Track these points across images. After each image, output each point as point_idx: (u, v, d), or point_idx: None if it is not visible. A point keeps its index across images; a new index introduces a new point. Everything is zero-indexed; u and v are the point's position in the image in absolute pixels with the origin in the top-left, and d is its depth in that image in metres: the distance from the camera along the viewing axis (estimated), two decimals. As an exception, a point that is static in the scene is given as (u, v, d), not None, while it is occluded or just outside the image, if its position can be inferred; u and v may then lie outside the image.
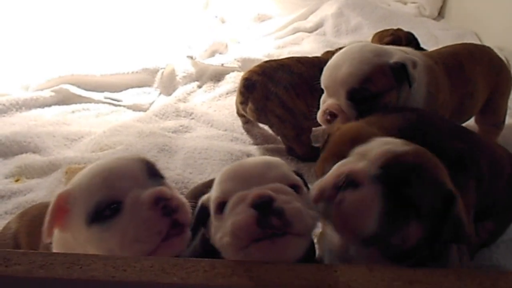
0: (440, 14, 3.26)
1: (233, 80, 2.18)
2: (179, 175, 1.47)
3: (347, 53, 1.24)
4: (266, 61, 1.83)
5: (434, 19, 3.18)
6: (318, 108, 1.30)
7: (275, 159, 0.85)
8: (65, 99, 1.99)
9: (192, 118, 1.94)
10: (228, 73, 2.23)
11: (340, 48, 1.38)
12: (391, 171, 0.76)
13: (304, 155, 1.63)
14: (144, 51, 2.36)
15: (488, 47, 1.58)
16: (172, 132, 1.79)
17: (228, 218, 0.76)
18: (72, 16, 2.62)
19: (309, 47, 2.60)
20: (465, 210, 0.80)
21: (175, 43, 2.44)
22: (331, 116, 1.24)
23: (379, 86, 1.20)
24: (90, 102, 2.00)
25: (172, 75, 2.19)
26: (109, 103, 2.00)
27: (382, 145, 0.81)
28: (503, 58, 1.76)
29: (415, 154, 0.79)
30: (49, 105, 1.95)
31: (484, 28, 2.72)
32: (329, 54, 1.78)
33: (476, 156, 1.06)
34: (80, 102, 1.99)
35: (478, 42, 2.65)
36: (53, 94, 1.98)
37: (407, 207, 0.76)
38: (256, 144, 1.77)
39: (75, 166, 1.45)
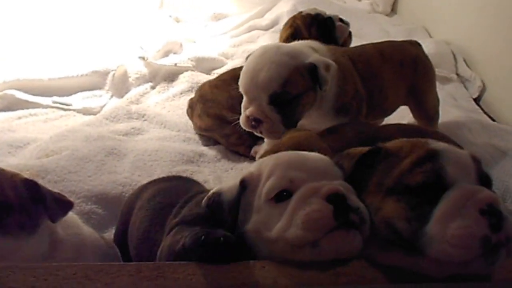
0: (393, 10, 3.35)
1: (187, 80, 2.17)
2: (127, 178, 1.46)
3: (264, 57, 1.25)
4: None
5: (387, 15, 3.26)
6: (240, 113, 1.31)
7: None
8: (10, 105, 1.93)
9: (145, 120, 1.92)
10: (182, 72, 2.22)
11: None
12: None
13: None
14: (94, 52, 2.31)
15: (407, 45, 1.64)
16: (123, 135, 1.77)
17: (297, 209, 0.73)
18: (16, 18, 2.54)
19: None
20: None
21: (127, 44, 2.41)
22: (256, 121, 1.25)
23: (298, 88, 1.23)
24: (38, 107, 1.94)
25: (124, 76, 2.16)
26: (58, 108, 1.95)
27: None
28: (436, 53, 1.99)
29: None
30: (-6, 112, 1.89)
31: (433, 23, 2.81)
32: None
33: None
34: (27, 108, 1.93)
35: (428, 37, 2.75)
36: (-3, 100, 1.92)
37: None
38: (209, 145, 1.77)
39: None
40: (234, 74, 1.88)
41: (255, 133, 1.33)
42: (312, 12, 1.91)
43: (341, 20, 1.92)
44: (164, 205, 1.01)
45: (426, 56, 1.65)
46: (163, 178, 1.23)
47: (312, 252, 0.73)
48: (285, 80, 1.22)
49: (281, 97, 1.22)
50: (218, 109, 1.75)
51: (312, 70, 1.23)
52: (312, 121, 1.34)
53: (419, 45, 1.68)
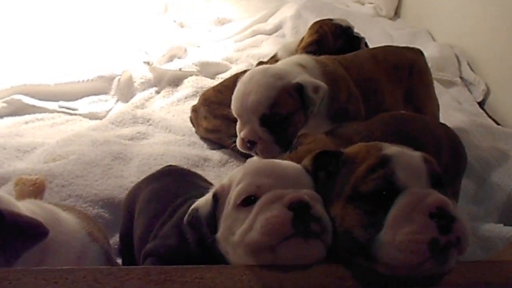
0: (396, 13, 3.35)
1: (192, 85, 2.19)
2: (133, 182, 1.46)
3: (252, 81, 1.29)
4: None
5: (390, 19, 3.27)
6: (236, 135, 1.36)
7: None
8: (17, 110, 1.95)
9: (150, 124, 1.93)
10: (187, 77, 2.23)
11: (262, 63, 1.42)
12: None
13: None
14: (99, 58, 2.33)
15: (403, 49, 1.65)
16: (129, 140, 1.78)
17: (259, 214, 0.75)
18: (23, 25, 2.56)
19: (268, 49, 2.63)
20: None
21: (132, 49, 2.43)
22: (251, 143, 1.29)
23: (287, 108, 1.26)
24: (45, 112, 1.96)
25: (129, 81, 2.18)
26: (64, 112, 1.97)
27: None
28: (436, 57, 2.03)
29: None
30: (1, 117, 1.91)
31: (437, 27, 2.82)
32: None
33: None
34: (34, 113, 1.95)
35: (431, 40, 2.75)
36: (5, 105, 1.94)
37: None
38: (214, 149, 1.78)
39: (26, 177, 1.41)
40: (236, 79, 1.90)
41: (253, 154, 1.36)
42: (343, 24, 1.89)
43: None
44: (157, 211, 1.03)
45: (424, 63, 1.66)
46: (157, 175, 1.23)
47: (269, 257, 0.74)
48: (274, 102, 1.25)
49: (271, 118, 1.26)
50: (224, 110, 1.75)
51: (299, 90, 1.26)
52: (310, 130, 1.35)
53: (421, 53, 1.68)
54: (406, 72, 1.56)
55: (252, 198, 0.78)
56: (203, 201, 0.86)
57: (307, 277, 0.73)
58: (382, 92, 1.50)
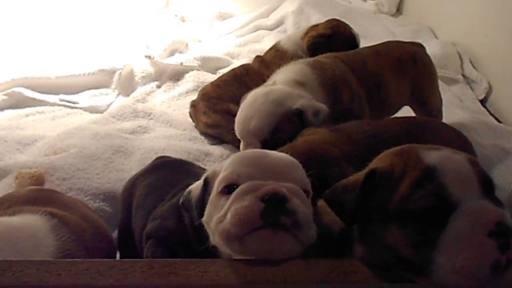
0: (398, 10, 3.35)
1: (193, 79, 2.18)
2: (135, 176, 1.46)
3: (253, 106, 1.32)
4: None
5: (392, 15, 3.26)
6: None
7: (295, 160, 0.83)
8: (18, 103, 1.94)
9: (151, 119, 1.93)
10: (188, 72, 2.23)
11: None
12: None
13: None
14: (100, 51, 2.33)
15: (405, 43, 1.66)
16: (130, 133, 1.78)
17: (233, 203, 0.74)
18: (24, 17, 2.55)
19: (269, 45, 2.58)
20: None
21: (133, 43, 2.42)
22: None
23: (288, 132, 1.26)
24: (45, 105, 1.96)
25: (130, 75, 2.17)
26: (65, 106, 1.97)
27: None
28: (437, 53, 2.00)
29: None
30: (2, 109, 1.91)
31: (439, 23, 2.81)
32: (257, 60, 1.96)
33: None
34: (35, 106, 1.94)
35: (433, 38, 2.75)
36: (5, 97, 1.94)
37: None
38: (214, 143, 1.78)
39: (26, 170, 1.41)
40: (234, 74, 1.91)
41: None
42: (356, 34, 1.95)
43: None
44: (157, 203, 1.03)
45: (426, 55, 1.67)
46: (151, 168, 1.22)
47: (239, 247, 0.74)
48: (274, 128, 1.28)
49: (272, 142, 1.27)
50: (224, 104, 1.76)
51: (299, 115, 1.28)
52: None
53: (422, 46, 1.69)
54: (410, 64, 1.57)
55: (234, 186, 0.77)
56: (196, 185, 0.87)
57: (311, 272, 0.73)
58: (386, 87, 1.50)
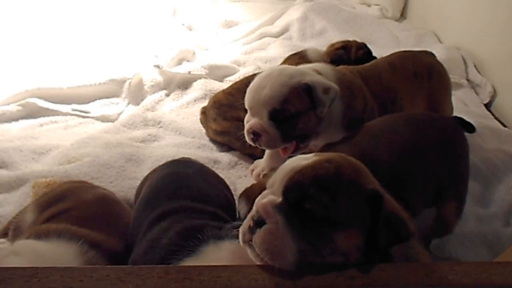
0: (402, 15, 3.37)
1: (201, 87, 2.22)
2: (146, 184, 1.51)
3: (268, 77, 1.34)
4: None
5: (396, 20, 3.29)
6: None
7: None
8: (32, 113, 1.99)
9: (160, 127, 1.97)
10: (196, 80, 2.27)
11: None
12: (289, 195, 0.76)
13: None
14: (110, 61, 2.38)
15: (419, 54, 1.67)
16: (140, 142, 1.82)
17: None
18: (37, 30, 2.61)
19: (275, 52, 2.66)
20: (400, 208, 0.82)
21: (142, 53, 2.47)
22: (255, 135, 1.34)
23: (297, 107, 1.30)
24: (58, 115, 2.00)
25: (140, 84, 2.22)
26: (77, 115, 2.02)
27: (284, 168, 0.80)
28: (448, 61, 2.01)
29: (315, 166, 0.77)
30: (16, 119, 1.96)
31: (443, 28, 2.83)
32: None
33: None
34: (48, 115, 1.99)
35: (437, 42, 2.77)
36: (20, 108, 1.99)
37: (321, 221, 0.74)
38: (223, 151, 1.82)
39: (43, 180, 1.46)
40: (247, 82, 1.94)
41: (256, 145, 1.40)
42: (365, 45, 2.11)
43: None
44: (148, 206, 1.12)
45: (440, 65, 1.67)
46: (170, 164, 1.31)
47: None
48: (285, 99, 1.30)
49: (280, 114, 1.31)
50: (235, 112, 1.79)
51: (308, 91, 1.30)
52: (324, 137, 1.39)
53: (433, 55, 1.71)
54: (425, 77, 1.58)
55: None
56: None
57: (319, 276, 0.77)
58: (401, 101, 1.51)
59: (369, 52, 2.05)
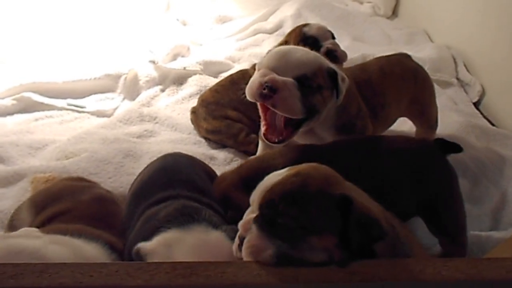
0: (394, 13, 3.41)
1: (196, 83, 2.23)
2: (145, 180, 1.52)
3: (297, 48, 1.31)
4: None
5: (388, 18, 3.33)
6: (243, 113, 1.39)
7: None
8: (27, 107, 1.99)
9: (156, 122, 1.98)
10: (191, 76, 2.28)
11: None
12: (264, 212, 0.84)
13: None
14: (106, 56, 2.37)
15: (403, 59, 1.67)
16: (137, 137, 1.84)
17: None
18: (31, 23, 2.59)
19: (269, 48, 2.67)
20: (374, 208, 0.86)
21: (137, 48, 2.47)
22: (270, 90, 1.18)
23: (322, 82, 1.26)
24: (53, 110, 2.00)
25: (135, 80, 2.22)
26: (73, 110, 2.02)
27: (260, 186, 0.88)
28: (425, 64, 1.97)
29: (283, 182, 0.84)
30: (11, 114, 1.95)
31: (434, 27, 2.88)
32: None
33: None
34: (43, 110, 1.99)
35: (428, 41, 2.82)
36: (14, 102, 1.98)
37: (295, 230, 0.81)
38: (219, 147, 1.84)
39: (41, 175, 1.47)
40: (231, 79, 1.96)
41: (259, 109, 1.29)
42: (308, 33, 1.83)
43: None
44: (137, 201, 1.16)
45: (423, 68, 1.71)
46: (161, 159, 1.33)
47: None
48: (315, 70, 1.25)
49: (308, 81, 1.22)
50: (222, 110, 1.82)
51: (332, 75, 1.28)
52: (315, 138, 1.39)
53: (410, 57, 1.72)
54: (412, 81, 1.60)
55: None
56: None
57: (320, 271, 0.80)
58: (389, 104, 1.53)
59: (311, 45, 1.63)
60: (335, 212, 0.82)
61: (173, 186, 1.14)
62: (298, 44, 1.68)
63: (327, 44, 1.82)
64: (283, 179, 0.85)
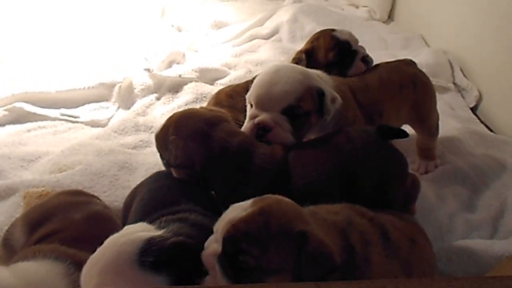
0: (390, 17, 3.40)
1: (192, 91, 2.21)
2: (140, 192, 1.49)
3: (279, 73, 1.32)
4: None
5: (384, 22, 3.32)
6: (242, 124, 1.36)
7: None
8: (19, 118, 1.96)
9: (152, 132, 1.95)
10: (186, 83, 2.26)
11: None
12: (226, 247, 0.86)
13: None
14: (100, 64, 2.34)
15: (402, 65, 1.65)
16: (132, 148, 1.81)
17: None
18: (23, 31, 2.56)
19: (265, 55, 2.66)
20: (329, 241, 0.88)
21: (132, 56, 2.44)
22: (264, 130, 1.29)
23: (309, 106, 1.30)
24: (46, 120, 1.97)
25: (130, 88, 2.19)
26: (66, 120, 1.99)
27: (225, 217, 0.90)
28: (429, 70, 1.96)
29: (247, 219, 0.86)
30: (3, 125, 1.92)
31: (430, 31, 2.87)
32: None
33: None
34: (36, 120, 1.95)
35: (424, 45, 2.81)
36: (6, 113, 1.95)
37: (254, 270, 0.83)
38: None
39: (34, 190, 1.44)
40: (246, 86, 1.92)
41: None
42: (341, 37, 1.70)
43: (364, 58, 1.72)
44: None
45: (423, 74, 1.68)
46: (157, 177, 1.30)
47: None
48: (301, 96, 1.28)
49: (295, 111, 1.28)
50: (234, 114, 1.79)
51: (320, 95, 1.30)
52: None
53: (414, 63, 1.70)
54: (410, 88, 1.59)
55: None
56: None
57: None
58: (388, 112, 1.53)
59: (343, 50, 1.66)
60: (293, 249, 0.85)
61: (179, 202, 1.12)
62: (331, 49, 1.67)
63: (360, 49, 1.75)
64: (247, 216, 0.87)
